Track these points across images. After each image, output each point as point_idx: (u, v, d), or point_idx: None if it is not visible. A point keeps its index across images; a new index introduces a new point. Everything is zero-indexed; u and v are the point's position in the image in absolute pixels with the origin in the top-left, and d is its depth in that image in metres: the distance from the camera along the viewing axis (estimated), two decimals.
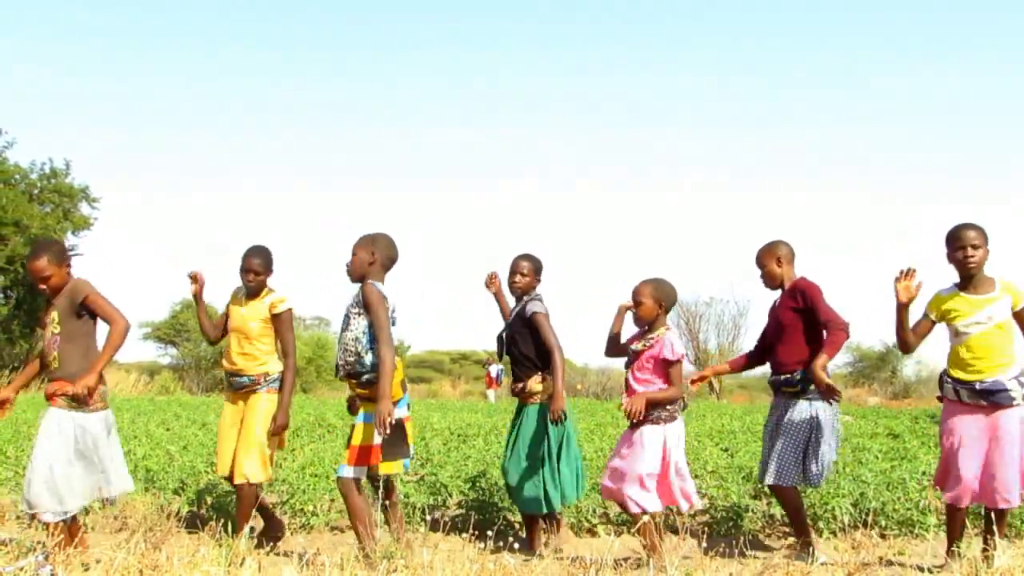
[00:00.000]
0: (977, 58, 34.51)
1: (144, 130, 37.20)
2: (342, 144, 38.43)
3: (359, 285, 4.27)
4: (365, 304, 4.16)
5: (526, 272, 5.04)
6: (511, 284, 5.08)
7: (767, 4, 36.11)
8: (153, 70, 35.63)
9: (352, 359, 4.17)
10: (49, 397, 4.07)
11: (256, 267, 4.73)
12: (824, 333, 4.61)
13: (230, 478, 4.72)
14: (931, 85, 34.14)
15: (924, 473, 6.43)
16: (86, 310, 4.12)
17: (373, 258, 4.27)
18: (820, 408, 4.61)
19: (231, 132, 37.74)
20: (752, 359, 5.08)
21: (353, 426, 4.23)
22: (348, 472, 4.12)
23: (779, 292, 4.85)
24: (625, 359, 4.57)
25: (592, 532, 5.35)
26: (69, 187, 23.91)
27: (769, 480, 4.65)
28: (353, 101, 37.80)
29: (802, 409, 4.64)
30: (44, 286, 4.15)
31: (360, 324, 4.18)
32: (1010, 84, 33.80)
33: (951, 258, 4.30)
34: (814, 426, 4.60)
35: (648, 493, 4.27)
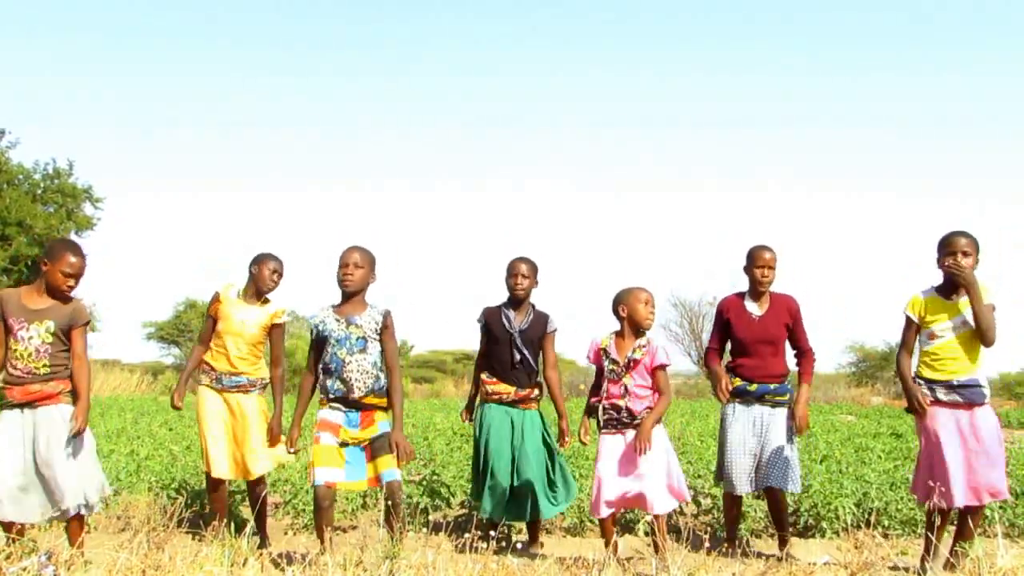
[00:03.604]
0: (975, 58, 34.52)
1: (148, 130, 37.36)
2: (347, 144, 38.56)
3: (375, 309, 4.29)
4: (389, 331, 4.28)
5: (527, 274, 4.99)
6: (514, 287, 4.99)
7: (769, 4, 36.15)
8: (157, 70, 35.77)
9: (371, 382, 4.24)
10: (46, 396, 4.04)
11: (281, 270, 4.86)
12: (796, 355, 4.91)
13: (217, 479, 4.76)
14: (929, 84, 34.15)
15: None
16: (69, 335, 4.12)
17: (374, 279, 4.33)
18: (790, 417, 4.81)
19: (235, 132, 37.87)
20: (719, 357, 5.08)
21: (385, 434, 4.24)
22: (399, 475, 4.23)
23: (751, 299, 4.90)
24: (610, 367, 4.44)
25: (593, 532, 5.35)
26: (72, 187, 23.90)
27: (798, 487, 4.76)
28: (358, 101, 37.95)
29: (785, 416, 4.78)
30: (73, 283, 4.09)
31: (376, 349, 4.27)
32: (1009, 84, 33.82)
33: (940, 263, 4.30)
34: (792, 433, 4.80)
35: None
